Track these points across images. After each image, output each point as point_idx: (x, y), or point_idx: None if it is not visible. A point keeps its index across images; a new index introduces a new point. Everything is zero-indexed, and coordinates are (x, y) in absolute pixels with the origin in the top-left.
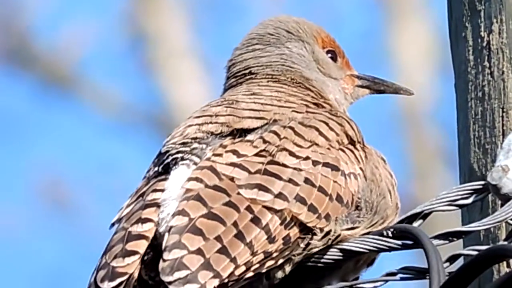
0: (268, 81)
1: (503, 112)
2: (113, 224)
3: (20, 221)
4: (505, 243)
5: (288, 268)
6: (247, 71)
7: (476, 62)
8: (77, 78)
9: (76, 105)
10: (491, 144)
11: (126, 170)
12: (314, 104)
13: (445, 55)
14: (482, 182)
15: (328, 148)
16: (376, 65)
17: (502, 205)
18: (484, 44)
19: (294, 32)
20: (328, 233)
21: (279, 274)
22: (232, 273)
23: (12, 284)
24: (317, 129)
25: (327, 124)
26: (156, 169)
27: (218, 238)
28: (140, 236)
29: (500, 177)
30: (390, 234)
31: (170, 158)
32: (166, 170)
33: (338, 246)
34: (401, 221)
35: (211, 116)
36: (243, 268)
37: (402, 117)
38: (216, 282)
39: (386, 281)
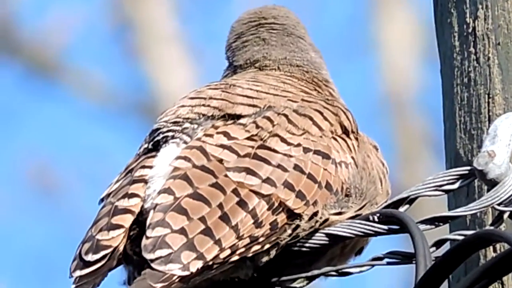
0: (281, 74)
1: (489, 98)
2: (102, 200)
3: (7, 206)
4: (492, 228)
5: (273, 252)
6: (275, 66)
7: (461, 48)
8: (63, 65)
9: (62, 91)
10: (477, 129)
11: (112, 155)
12: (315, 90)
13: (431, 41)
14: (468, 168)
15: (321, 136)
16: (361, 51)
17: (488, 190)
18: (470, 30)
19: (303, 26)
20: (315, 214)
21: (264, 257)
22: (217, 256)
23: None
24: (311, 118)
25: (321, 113)
26: (146, 146)
27: (202, 219)
28: (126, 211)
29: (486, 163)
30: (376, 219)
31: (161, 135)
32: (155, 147)
33: (324, 231)
34: (387, 206)
35: (204, 98)
36: (228, 252)
37: (388, 103)
38: (200, 263)
39: (373, 265)
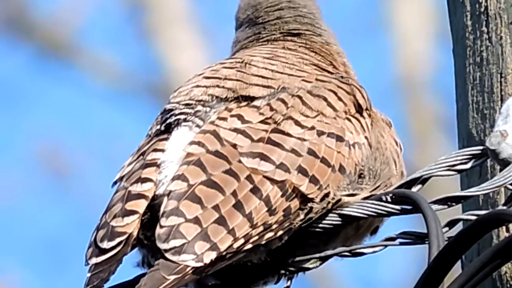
0: (300, 46)
1: (501, 77)
2: (115, 183)
3: (19, 188)
4: (504, 207)
5: (286, 237)
6: (295, 32)
7: (474, 28)
8: (75, 46)
9: (75, 73)
10: (490, 109)
11: (124, 137)
12: (331, 65)
13: (444, 22)
14: (481, 147)
15: (335, 118)
16: (374, 33)
17: (501, 170)
18: (482, 9)
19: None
20: (327, 195)
21: (277, 243)
22: (230, 246)
23: (12, 252)
24: (325, 99)
25: (335, 93)
26: (158, 127)
27: (216, 208)
28: (140, 196)
29: (498, 142)
30: (389, 199)
31: (173, 118)
32: (167, 130)
33: (337, 211)
34: (400, 186)
35: (220, 78)
36: (241, 241)
37: (401, 84)
38: (214, 254)
39: (386, 246)
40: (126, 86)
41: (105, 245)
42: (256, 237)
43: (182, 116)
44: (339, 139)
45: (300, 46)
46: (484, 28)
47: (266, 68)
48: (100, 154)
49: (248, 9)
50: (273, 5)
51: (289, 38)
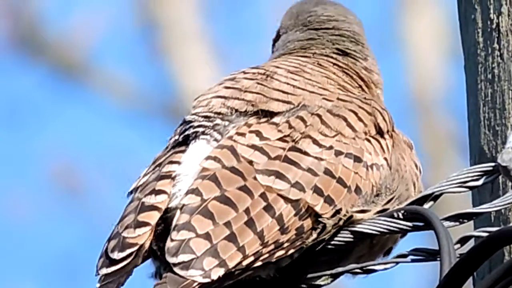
0: (334, 65)
1: None
2: (130, 193)
3: (33, 207)
4: None
5: (296, 255)
6: (342, 51)
7: (485, 44)
8: (89, 65)
9: (88, 92)
10: (501, 126)
11: (137, 156)
12: (359, 87)
13: (456, 39)
14: (493, 164)
15: (354, 138)
16: (387, 50)
17: None
18: (494, 26)
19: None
20: (338, 212)
21: (287, 261)
22: (239, 263)
23: (26, 269)
24: (345, 119)
25: (356, 114)
26: (176, 137)
27: (228, 224)
28: (153, 208)
29: (510, 159)
30: (400, 216)
31: (191, 130)
32: (185, 142)
33: (349, 228)
34: (411, 203)
35: (240, 90)
36: (251, 258)
37: (414, 102)
38: (222, 271)
39: (397, 263)
40: (140, 105)
41: (116, 255)
42: (267, 255)
43: (201, 129)
44: (357, 159)
45: (334, 65)
46: (495, 45)
47: (288, 83)
48: (113, 173)
49: (302, 14)
50: (329, 15)
51: (333, 55)
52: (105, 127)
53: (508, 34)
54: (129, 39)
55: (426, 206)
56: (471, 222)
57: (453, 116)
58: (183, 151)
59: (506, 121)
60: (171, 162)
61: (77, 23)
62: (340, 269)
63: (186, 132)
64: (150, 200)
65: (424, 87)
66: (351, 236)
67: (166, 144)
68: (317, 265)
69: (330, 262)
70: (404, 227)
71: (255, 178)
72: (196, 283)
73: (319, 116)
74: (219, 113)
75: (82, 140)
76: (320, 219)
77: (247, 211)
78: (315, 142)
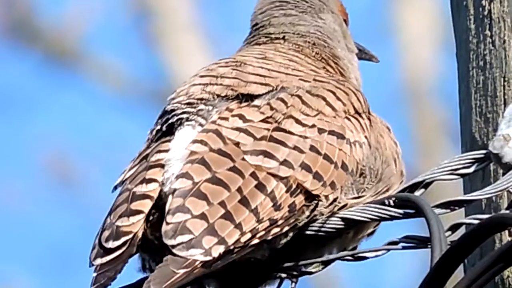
0: (289, 49)
1: (504, 81)
2: (115, 187)
3: (26, 195)
4: (507, 212)
5: (291, 234)
6: (280, 36)
7: (477, 31)
8: (81, 53)
9: (81, 79)
10: (493, 113)
11: (130, 144)
12: (323, 68)
13: (449, 28)
14: (484, 151)
15: (334, 117)
16: (378, 39)
17: (503, 174)
18: (485, 13)
19: (325, 1)
20: (334, 200)
21: (282, 240)
22: (238, 240)
23: (19, 259)
24: (324, 99)
25: (334, 93)
26: (159, 127)
27: (222, 204)
28: (145, 196)
29: (501, 146)
30: (391, 203)
31: (175, 118)
32: (170, 130)
33: (339, 215)
34: (402, 190)
35: (216, 77)
36: (248, 235)
37: (405, 90)
38: (222, 248)
39: (388, 250)
40: (132, 92)
41: (111, 244)
42: (263, 232)
43: (185, 116)
44: (340, 137)
45: (289, 49)
46: (487, 32)
47: (261, 67)
48: (105, 161)
49: (254, 16)
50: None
51: (292, 45)
52: (98, 114)
53: (500, 20)
54: (122, 26)
55: (417, 193)
56: (462, 209)
57: (445, 104)
58: (169, 140)
59: (498, 108)
60: (159, 151)
61: (70, 11)
62: (331, 256)
63: (170, 121)
64: (141, 189)
65: (416, 75)
66: (342, 223)
67: (148, 137)
68: (306, 251)
69: (315, 247)
70: (395, 214)
71: (243, 159)
72: (198, 262)
73: (299, 96)
74: (201, 99)
75: (75, 128)
76: (313, 202)
77: (239, 190)
78: (297, 121)
